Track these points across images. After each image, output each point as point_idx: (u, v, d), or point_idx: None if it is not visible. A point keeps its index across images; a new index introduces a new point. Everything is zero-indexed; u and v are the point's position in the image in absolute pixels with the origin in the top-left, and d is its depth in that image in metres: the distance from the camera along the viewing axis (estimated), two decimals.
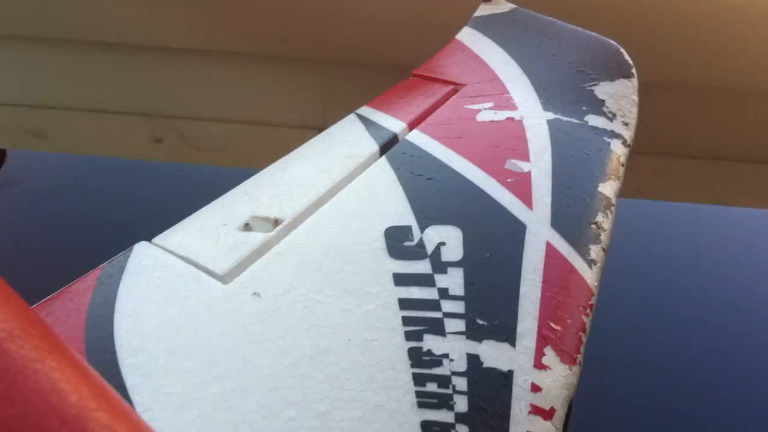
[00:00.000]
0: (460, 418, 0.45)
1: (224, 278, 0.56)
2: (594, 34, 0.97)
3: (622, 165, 0.73)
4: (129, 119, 1.58)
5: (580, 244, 0.61)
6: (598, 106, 0.82)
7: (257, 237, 0.60)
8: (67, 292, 0.55)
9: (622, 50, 0.93)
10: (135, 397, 0.45)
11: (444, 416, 0.45)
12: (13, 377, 0.25)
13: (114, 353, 0.48)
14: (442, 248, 0.59)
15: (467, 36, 1.01)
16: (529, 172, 0.69)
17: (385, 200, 0.65)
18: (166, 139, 1.57)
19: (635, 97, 0.85)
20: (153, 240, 0.61)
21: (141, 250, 0.60)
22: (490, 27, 1.04)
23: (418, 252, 0.59)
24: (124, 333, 0.50)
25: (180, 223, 0.64)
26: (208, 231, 0.62)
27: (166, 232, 0.63)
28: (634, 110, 0.83)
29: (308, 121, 1.49)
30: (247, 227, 0.62)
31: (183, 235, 0.62)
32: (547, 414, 0.46)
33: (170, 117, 1.58)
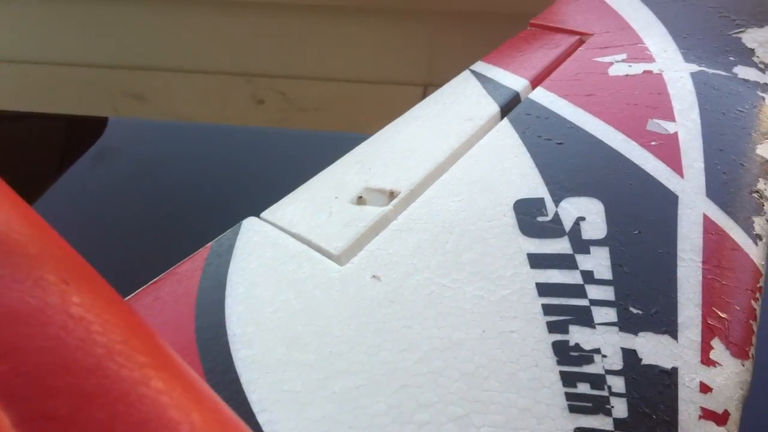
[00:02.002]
0: (620, 424, 0.39)
1: (340, 258, 0.51)
2: None
3: None
4: (229, 79, 1.55)
5: (741, 217, 0.53)
6: (747, 56, 0.73)
7: (372, 212, 0.55)
8: (174, 273, 0.52)
9: None
10: (251, 396, 0.41)
11: (601, 423, 0.39)
12: (113, 405, 0.21)
13: (227, 343, 0.45)
14: (582, 224, 0.52)
15: None
16: (675, 134, 0.61)
17: (512, 169, 0.59)
18: (268, 99, 1.53)
19: None
20: (261, 215, 0.57)
21: (250, 226, 0.56)
22: None
23: (554, 229, 0.52)
24: (237, 320, 0.47)
25: (289, 195, 0.60)
26: (319, 205, 0.57)
27: (274, 206, 0.58)
28: None
29: (414, 77, 1.42)
30: (360, 201, 0.57)
31: (293, 209, 0.57)
32: (721, 418, 0.40)
33: (271, 77, 1.54)
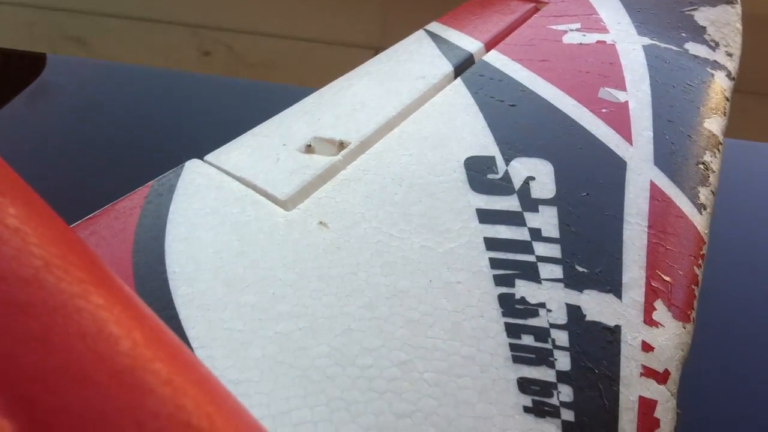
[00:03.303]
0: (562, 377, 0.39)
1: (286, 204, 0.50)
2: None
3: (727, 100, 0.65)
4: (175, 29, 1.50)
5: (687, 186, 0.53)
6: (699, 33, 0.74)
7: (321, 160, 0.54)
8: (112, 210, 0.49)
9: None
10: (190, 332, 0.40)
11: (543, 374, 0.39)
12: (50, 316, 0.20)
13: (165, 280, 0.43)
14: (532, 183, 0.52)
15: None
16: (626, 103, 0.61)
17: (464, 127, 0.58)
18: (215, 52, 1.49)
19: (739, 26, 0.76)
20: (205, 158, 0.55)
21: (193, 168, 0.54)
22: None
23: (504, 186, 0.52)
24: (177, 258, 0.45)
25: (234, 140, 0.58)
26: (266, 151, 0.56)
27: (219, 150, 0.57)
28: (738, 39, 0.74)
29: (366, 40, 1.39)
30: (309, 149, 0.56)
31: (238, 154, 0.56)
32: (661, 377, 0.40)
33: (219, 29, 1.49)
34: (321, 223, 0.48)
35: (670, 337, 0.42)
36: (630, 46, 0.70)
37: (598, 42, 0.71)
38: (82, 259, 0.24)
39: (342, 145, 0.56)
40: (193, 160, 0.55)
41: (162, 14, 1.50)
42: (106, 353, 0.20)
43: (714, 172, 0.56)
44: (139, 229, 0.47)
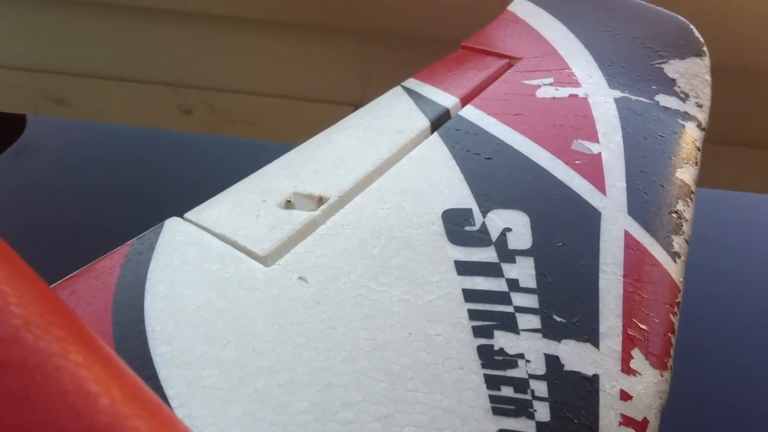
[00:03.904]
0: (542, 427, 0.39)
1: (266, 260, 0.50)
2: (659, 8, 0.90)
3: (699, 149, 0.67)
4: (156, 89, 1.51)
5: (661, 235, 0.54)
6: (669, 86, 0.76)
7: (301, 216, 0.55)
8: (92, 269, 0.50)
9: (692, 26, 0.86)
10: (169, 391, 0.40)
11: (524, 425, 0.39)
12: (30, 375, 0.20)
13: (145, 339, 0.43)
14: (508, 234, 0.53)
15: (520, 7, 0.94)
16: (599, 154, 0.62)
17: (441, 180, 0.59)
18: (196, 111, 1.51)
19: (708, 77, 0.78)
20: (185, 215, 0.56)
21: (173, 225, 0.54)
22: None
23: (481, 238, 0.53)
24: (157, 317, 0.45)
25: (214, 197, 0.59)
26: (246, 207, 0.56)
27: (199, 207, 0.57)
28: (708, 91, 0.76)
29: (345, 96, 1.41)
30: (288, 205, 0.57)
31: (218, 210, 0.56)
32: (640, 426, 0.41)
33: (200, 88, 1.51)
34: (301, 278, 0.49)
35: (648, 386, 0.43)
36: (602, 99, 0.71)
37: (570, 96, 0.72)
38: (61, 318, 0.24)
39: (321, 200, 0.57)
40: (173, 218, 0.55)
41: (143, 74, 1.52)
42: (85, 410, 0.20)
43: (687, 220, 0.57)
44: (118, 288, 0.47)
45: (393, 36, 1.36)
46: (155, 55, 1.51)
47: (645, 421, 0.41)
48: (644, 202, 0.57)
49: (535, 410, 0.40)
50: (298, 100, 1.45)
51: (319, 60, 1.42)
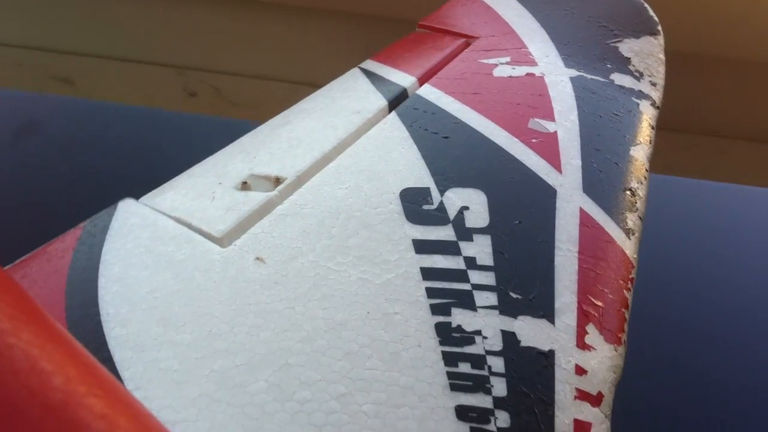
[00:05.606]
0: (499, 402, 0.39)
1: (222, 241, 0.50)
2: None
3: (653, 128, 0.68)
4: (162, 70, 1.52)
5: (615, 212, 0.55)
6: (623, 64, 0.76)
7: (257, 196, 0.54)
8: (45, 252, 0.49)
9: (647, 5, 0.87)
10: (125, 373, 0.40)
11: (481, 400, 0.39)
12: None
13: (99, 322, 0.43)
14: (466, 213, 0.53)
15: None
16: (555, 132, 0.63)
17: (399, 159, 0.59)
18: (201, 93, 1.51)
19: (662, 56, 0.79)
20: (140, 199, 0.55)
21: (126, 207, 0.54)
22: None
23: (439, 217, 0.53)
24: (111, 300, 0.44)
25: (168, 182, 0.58)
26: (201, 190, 0.56)
27: (153, 192, 0.57)
28: (662, 70, 0.77)
29: None
30: (245, 186, 0.56)
31: (173, 194, 0.56)
32: (595, 399, 0.41)
33: (205, 71, 1.51)
34: (258, 258, 0.48)
35: (602, 360, 0.43)
36: (558, 78, 0.72)
37: (527, 74, 0.73)
38: (11, 296, 0.24)
39: (278, 181, 0.56)
40: (126, 199, 0.55)
41: (148, 55, 1.51)
42: (39, 389, 0.20)
43: (641, 198, 0.58)
44: (71, 272, 0.47)
45: (399, 21, 1.35)
46: (161, 37, 1.51)
47: (600, 395, 0.41)
48: (599, 180, 0.58)
49: (492, 386, 0.40)
50: (305, 85, 1.44)
51: (326, 44, 1.42)
